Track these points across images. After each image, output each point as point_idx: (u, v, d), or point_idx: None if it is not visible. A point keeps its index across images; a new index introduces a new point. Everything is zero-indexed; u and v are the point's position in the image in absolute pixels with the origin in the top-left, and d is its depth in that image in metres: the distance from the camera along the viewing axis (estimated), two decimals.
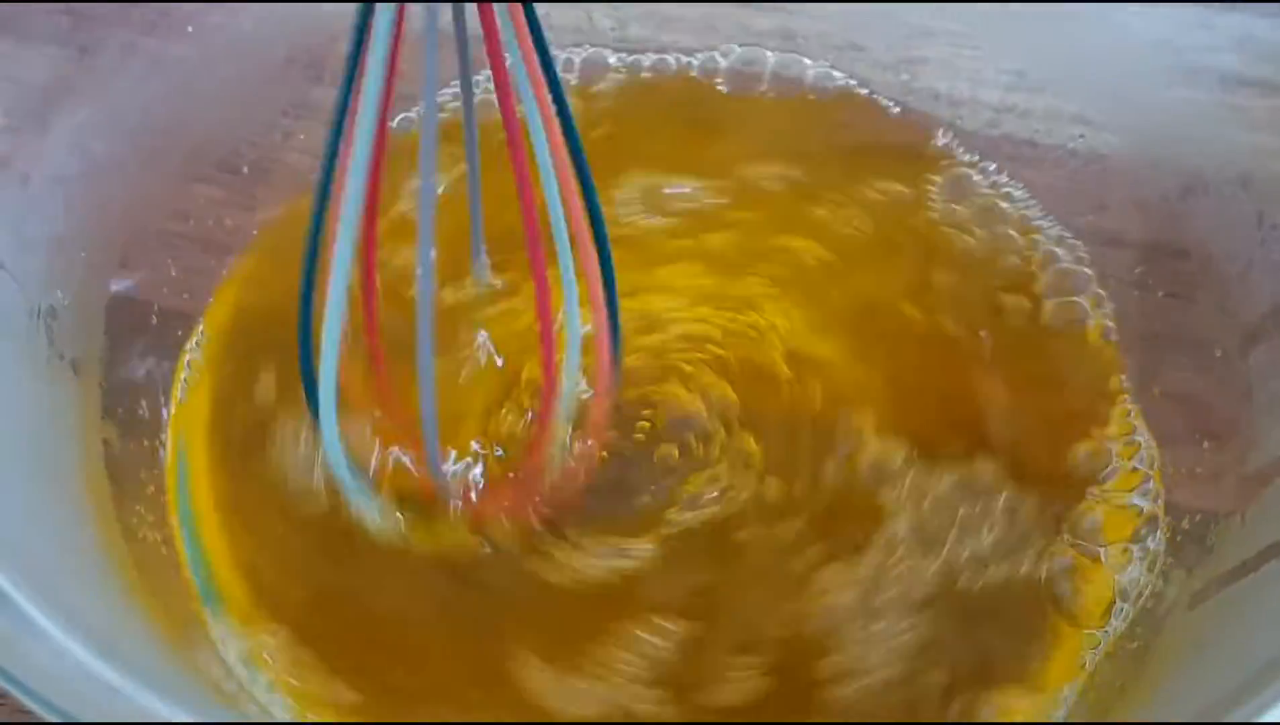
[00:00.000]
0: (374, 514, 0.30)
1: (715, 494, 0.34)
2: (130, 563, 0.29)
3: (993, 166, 0.43)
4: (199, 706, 0.20)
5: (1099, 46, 0.41)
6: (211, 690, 0.28)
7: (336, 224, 0.24)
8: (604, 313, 0.28)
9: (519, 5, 0.25)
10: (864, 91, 0.43)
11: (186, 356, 0.35)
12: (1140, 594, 0.32)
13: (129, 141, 0.34)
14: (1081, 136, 0.42)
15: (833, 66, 0.43)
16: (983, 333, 0.38)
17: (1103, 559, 0.32)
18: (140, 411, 0.34)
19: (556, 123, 0.26)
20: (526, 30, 0.25)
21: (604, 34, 0.45)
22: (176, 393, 0.35)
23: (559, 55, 0.42)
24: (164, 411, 0.34)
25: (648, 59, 0.43)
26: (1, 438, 0.27)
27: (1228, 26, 0.38)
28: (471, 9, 0.26)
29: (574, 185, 0.27)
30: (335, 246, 0.24)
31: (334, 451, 0.27)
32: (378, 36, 0.23)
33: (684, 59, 0.43)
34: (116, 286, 0.33)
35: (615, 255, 0.28)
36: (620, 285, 0.29)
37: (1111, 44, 0.41)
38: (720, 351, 0.36)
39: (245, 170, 0.38)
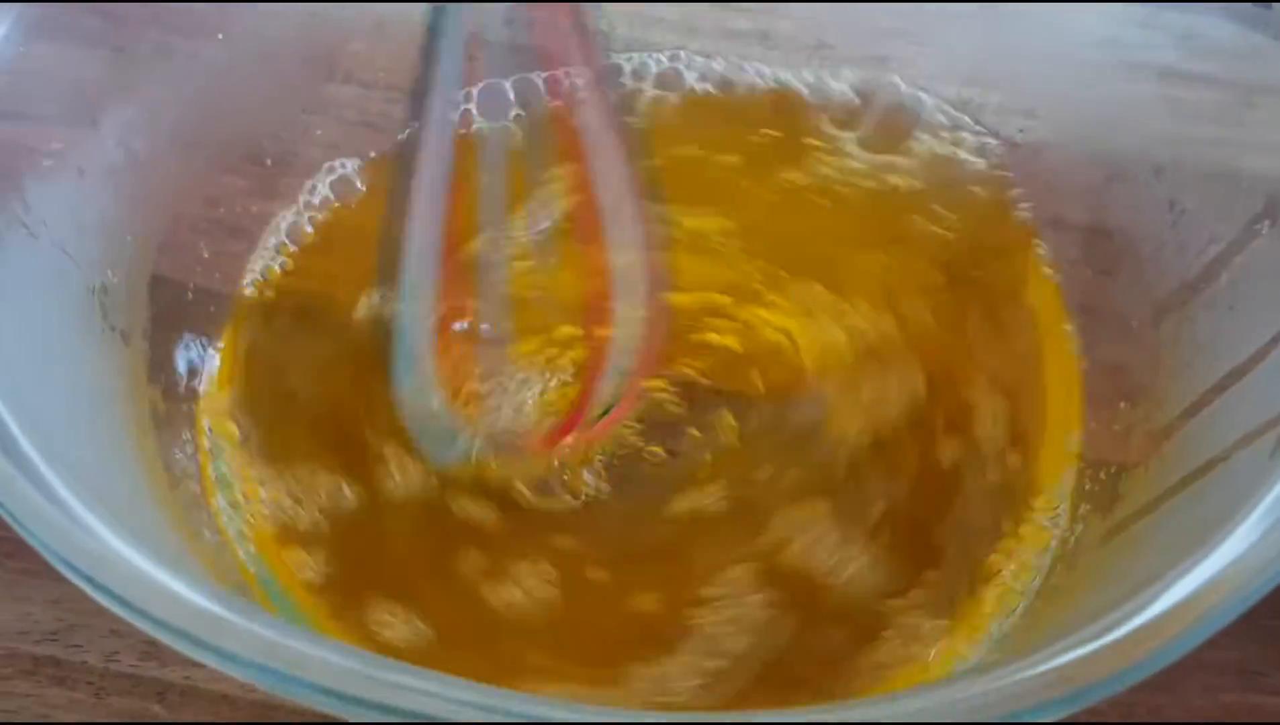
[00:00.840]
0: (449, 444, 0.34)
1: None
2: (172, 499, 0.33)
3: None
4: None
5: (1048, 43, 0.43)
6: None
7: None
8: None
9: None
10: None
11: (218, 329, 0.39)
12: (1064, 538, 0.35)
13: (167, 138, 0.36)
14: (1022, 131, 0.44)
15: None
16: (937, 304, 0.41)
17: (1033, 507, 0.36)
18: (179, 377, 0.37)
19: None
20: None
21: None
22: (209, 363, 0.38)
23: None
24: (200, 379, 0.37)
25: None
26: (71, 392, 0.30)
27: (1170, 25, 0.39)
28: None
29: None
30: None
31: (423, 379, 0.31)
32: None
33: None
34: (157, 267, 0.36)
35: None
36: None
37: (1060, 41, 0.43)
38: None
39: (268, 162, 0.41)
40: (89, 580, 0.22)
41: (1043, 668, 0.22)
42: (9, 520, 0.23)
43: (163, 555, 0.23)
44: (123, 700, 0.36)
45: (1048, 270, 0.41)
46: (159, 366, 0.36)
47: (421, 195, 0.29)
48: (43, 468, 0.24)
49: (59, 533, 0.23)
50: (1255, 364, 0.30)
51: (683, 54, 0.46)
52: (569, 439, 0.36)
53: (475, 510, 0.36)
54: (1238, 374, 0.31)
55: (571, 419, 0.36)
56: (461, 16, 0.28)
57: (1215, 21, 0.37)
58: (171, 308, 0.37)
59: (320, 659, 0.21)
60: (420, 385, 0.32)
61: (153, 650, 0.36)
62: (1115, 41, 0.41)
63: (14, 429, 0.25)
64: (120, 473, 0.30)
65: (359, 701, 0.21)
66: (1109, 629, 0.22)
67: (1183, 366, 0.34)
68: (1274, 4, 0.36)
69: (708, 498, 0.36)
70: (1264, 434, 0.26)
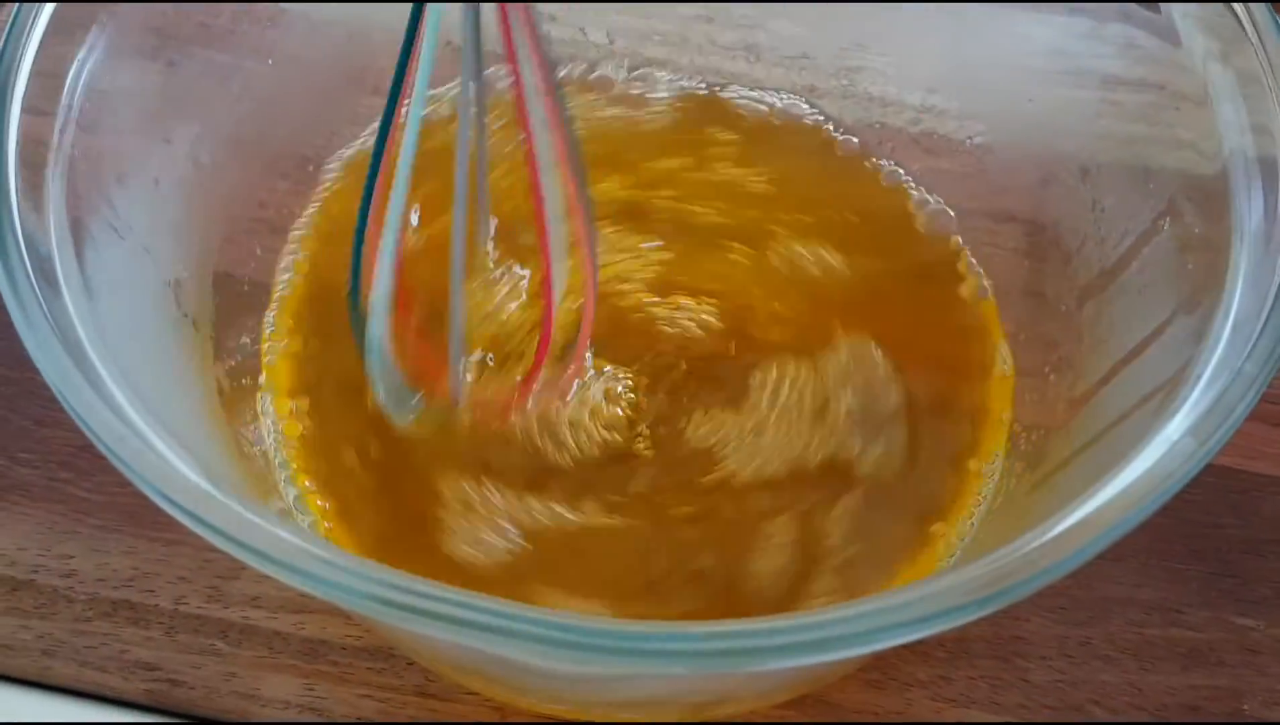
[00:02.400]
0: (404, 402, 0.37)
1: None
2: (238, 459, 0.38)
3: (913, 159, 0.48)
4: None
5: (1004, 53, 0.46)
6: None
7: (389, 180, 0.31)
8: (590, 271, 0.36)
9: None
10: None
11: (270, 316, 0.42)
12: (997, 492, 0.39)
13: (226, 149, 0.39)
14: (980, 134, 0.47)
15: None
16: (892, 288, 0.45)
17: (971, 467, 0.40)
18: (241, 360, 0.40)
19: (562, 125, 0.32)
20: (537, 41, 0.31)
21: (602, 48, 0.49)
22: (265, 346, 0.42)
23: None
24: (257, 362, 0.41)
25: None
26: (157, 368, 0.34)
27: (1114, 35, 0.41)
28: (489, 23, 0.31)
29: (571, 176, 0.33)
30: (391, 193, 0.31)
31: (379, 350, 0.34)
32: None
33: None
34: (219, 264, 0.40)
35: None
36: None
37: (1014, 51, 0.45)
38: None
39: (310, 169, 0.44)
40: (190, 514, 0.27)
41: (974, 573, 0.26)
42: (122, 468, 0.28)
43: (241, 496, 0.28)
44: (190, 638, 0.40)
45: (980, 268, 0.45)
46: (223, 350, 0.39)
47: (393, 185, 0.32)
48: (144, 427, 0.28)
49: (162, 476, 0.28)
50: (1155, 338, 0.34)
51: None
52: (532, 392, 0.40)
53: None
54: (1141, 348, 0.34)
55: (530, 376, 0.39)
56: (439, 18, 0.30)
57: (1147, 35, 0.40)
58: (232, 299, 0.40)
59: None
60: (383, 361, 0.35)
61: (216, 594, 0.40)
62: (1062, 51, 0.44)
63: (120, 398, 0.29)
64: (200, 435, 0.34)
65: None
66: (1026, 543, 0.27)
67: (1100, 342, 0.37)
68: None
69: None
70: (1155, 396, 0.31)
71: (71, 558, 0.41)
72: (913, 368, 0.42)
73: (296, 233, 0.44)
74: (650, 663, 0.24)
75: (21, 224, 0.30)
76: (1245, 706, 0.38)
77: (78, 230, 0.32)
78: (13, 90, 0.32)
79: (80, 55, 0.34)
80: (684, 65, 0.50)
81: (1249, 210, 0.33)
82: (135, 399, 0.29)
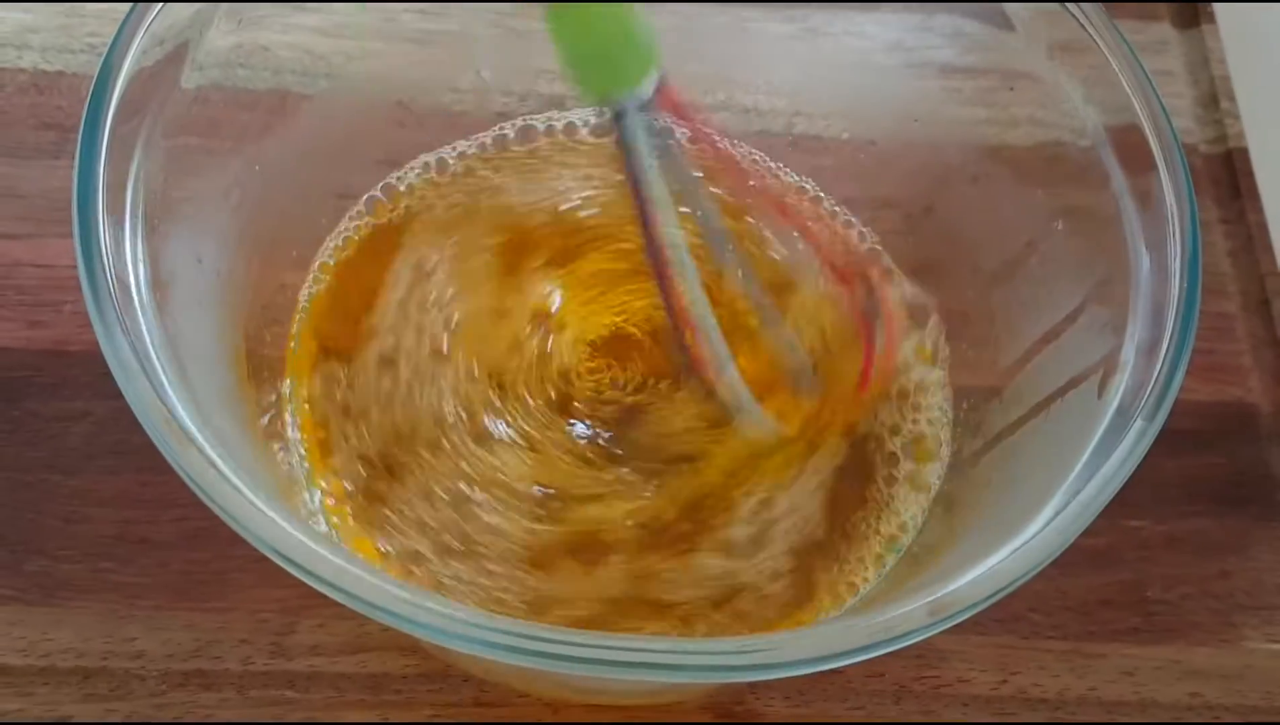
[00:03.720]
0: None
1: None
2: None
3: (795, 160, 0.51)
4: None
5: (852, 53, 0.49)
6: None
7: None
8: None
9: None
10: None
11: (297, 326, 0.46)
12: (946, 455, 0.45)
13: (276, 184, 0.42)
14: (846, 131, 0.51)
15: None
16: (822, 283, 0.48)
17: (923, 428, 0.45)
18: (273, 371, 0.44)
19: None
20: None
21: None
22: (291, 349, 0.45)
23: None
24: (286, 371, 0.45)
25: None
26: (219, 382, 0.38)
27: (942, 26, 0.46)
28: None
29: None
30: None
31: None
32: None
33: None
34: (268, 278, 0.43)
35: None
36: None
37: (861, 50, 0.49)
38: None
39: (345, 197, 0.48)
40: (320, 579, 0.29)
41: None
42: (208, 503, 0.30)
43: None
44: (262, 692, 0.44)
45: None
46: (257, 362, 0.43)
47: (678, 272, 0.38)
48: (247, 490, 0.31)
49: (279, 537, 0.30)
50: (1068, 325, 0.40)
51: None
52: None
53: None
54: (1055, 333, 0.40)
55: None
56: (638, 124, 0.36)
57: (977, 24, 0.44)
58: (271, 311, 0.44)
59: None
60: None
61: (278, 649, 0.45)
62: (900, 45, 0.48)
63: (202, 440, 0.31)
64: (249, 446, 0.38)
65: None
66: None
67: (1013, 324, 0.43)
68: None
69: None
70: (1087, 378, 0.37)
71: (135, 639, 0.45)
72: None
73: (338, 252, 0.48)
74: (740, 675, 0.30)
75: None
76: (1148, 593, 0.47)
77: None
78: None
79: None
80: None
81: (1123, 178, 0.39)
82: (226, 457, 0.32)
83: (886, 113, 0.50)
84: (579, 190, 0.51)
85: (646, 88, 0.37)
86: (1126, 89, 0.39)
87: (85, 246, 0.33)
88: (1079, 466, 0.34)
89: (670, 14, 0.48)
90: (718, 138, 0.41)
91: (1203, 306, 0.50)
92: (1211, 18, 0.60)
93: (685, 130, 0.39)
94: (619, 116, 0.37)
